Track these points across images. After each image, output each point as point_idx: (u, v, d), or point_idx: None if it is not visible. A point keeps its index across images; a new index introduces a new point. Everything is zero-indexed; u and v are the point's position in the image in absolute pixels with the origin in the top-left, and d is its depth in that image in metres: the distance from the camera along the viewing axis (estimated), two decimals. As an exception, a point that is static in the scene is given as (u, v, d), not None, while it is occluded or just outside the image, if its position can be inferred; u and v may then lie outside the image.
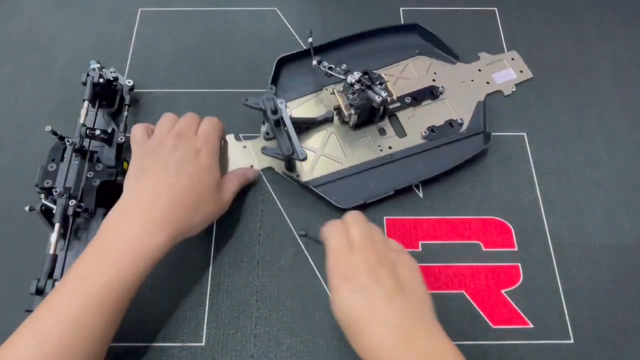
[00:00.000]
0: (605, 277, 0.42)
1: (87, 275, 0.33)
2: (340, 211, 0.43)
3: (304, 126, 0.46)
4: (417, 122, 0.48)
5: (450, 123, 0.48)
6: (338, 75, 0.44)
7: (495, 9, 0.56)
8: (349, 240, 0.34)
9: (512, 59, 0.52)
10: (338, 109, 0.46)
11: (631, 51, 0.53)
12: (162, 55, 0.53)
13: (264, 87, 0.51)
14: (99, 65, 0.46)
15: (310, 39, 0.46)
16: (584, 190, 0.46)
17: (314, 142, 0.47)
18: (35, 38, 0.54)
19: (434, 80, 0.50)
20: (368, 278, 0.32)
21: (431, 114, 0.48)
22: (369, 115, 0.46)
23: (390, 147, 0.46)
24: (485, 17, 0.55)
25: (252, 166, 0.46)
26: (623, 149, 0.47)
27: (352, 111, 0.43)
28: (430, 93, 0.49)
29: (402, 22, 0.54)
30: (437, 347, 0.31)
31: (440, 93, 0.49)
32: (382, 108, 0.45)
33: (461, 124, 0.48)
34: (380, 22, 0.54)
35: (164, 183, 0.36)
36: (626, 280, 0.41)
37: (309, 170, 0.45)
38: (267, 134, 0.43)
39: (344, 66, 0.44)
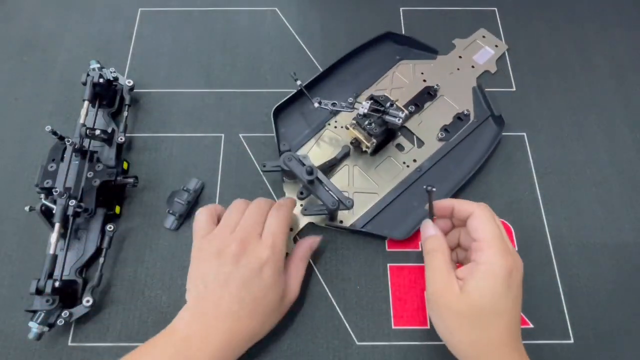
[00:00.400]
0: (605, 277, 0.42)
1: None
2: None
3: (327, 170, 0.45)
4: (428, 127, 0.48)
5: (458, 117, 0.48)
6: (344, 110, 0.44)
7: (495, 9, 0.56)
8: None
9: (483, 36, 0.53)
10: (355, 142, 0.45)
11: (631, 51, 0.53)
12: (162, 55, 0.53)
13: (264, 87, 0.51)
14: (99, 65, 0.46)
15: (298, 82, 0.44)
16: (584, 190, 0.46)
17: (340, 181, 0.45)
18: (35, 38, 0.54)
19: (424, 80, 0.50)
20: (505, 281, 0.31)
21: (437, 115, 0.49)
22: (385, 137, 0.46)
23: (415, 160, 0.46)
24: (485, 17, 0.55)
25: (291, 229, 0.43)
26: (623, 149, 0.47)
27: (374, 140, 0.43)
28: (428, 94, 0.49)
29: (402, 23, 0.54)
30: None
31: (437, 91, 0.49)
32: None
33: (468, 115, 0.48)
34: (381, 22, 0.54)
35: (225, 308, 0.34)
36: (626, 280, 0.41)
37: (349, 212, 0.44)
38: (302, 193, 0.42)
39: (350, 99, 0.44)
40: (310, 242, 0.40)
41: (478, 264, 0.32)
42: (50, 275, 0.37)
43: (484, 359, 0.32)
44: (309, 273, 0.42)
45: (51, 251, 0.38)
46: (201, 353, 0.32)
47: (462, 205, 0.35)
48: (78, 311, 0.38)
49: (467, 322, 0.31)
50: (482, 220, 0.33)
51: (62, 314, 0.37)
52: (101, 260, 0.39)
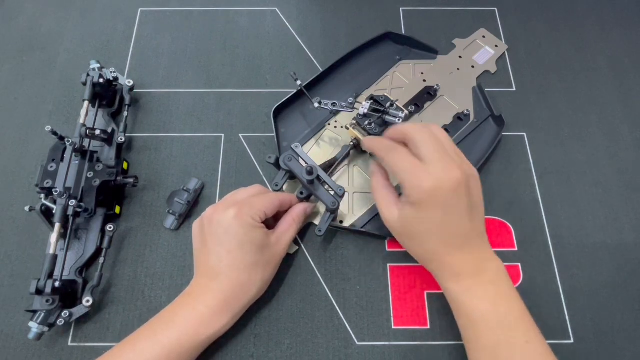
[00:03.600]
0: (605, 277, 0.42)
1: (154, 335, 0.35)
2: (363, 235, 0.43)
3: (327, 169, 0.44)
4: None
5: (458, 117, 0.48)
6: (344, 110, 0.44)
7: (495, 9, 0.56)
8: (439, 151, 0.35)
9: (483, 36, 0.54)
10: (355, 142, 0.45)
11: (631, 51, 0.53)
12: (162, 55, 0.53)
13: (264, 87, 0.51)
14: (99, 65, 0.46)
15: (298, 82, 0.44)
16: (584, 190, 0.46)
17: (341, 182, 0.45)
18: (35, 38, 0.54)
19: (424, 80, 0.50)
20: (452, 195, 0.33)
21: (437, 114, 0.49)
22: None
23: None
24: (485, 17, 0.55)
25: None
26: (623, 149, 0.47)
27: None
28: (428, 94, 0.49)
29: (402, 23, 0.54)
30: (485, 257, 0.35)
31: (436, 91, 0.49)
32: None
33: (468, 115, 0.48)
34: (381, 22, 0.54)
35: (207, 265, 0.37)
36: (626, 280, 0.41)
37: (349, 211, 0.44)
38: (302, 193, 0.42)
39: (350, 99, 0.44)
40: (305, 206, 0.41)
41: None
42: (50, 275, 0.37)
43: (432, 266, 0.36)
44: (308, 272, 0.42)
45: (51, 251, 0.38)
46: (202, 306, 0.35)
47: (405, 129, 0.37)
48: (78, 311, 0.38)
49: (405, 239, 0.37)
50: (415, 144, 0.35)
51: (62, 314, 0.37)
52: (101, 260, 0.39)
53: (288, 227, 0.40)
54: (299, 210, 0.41)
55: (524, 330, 0.33)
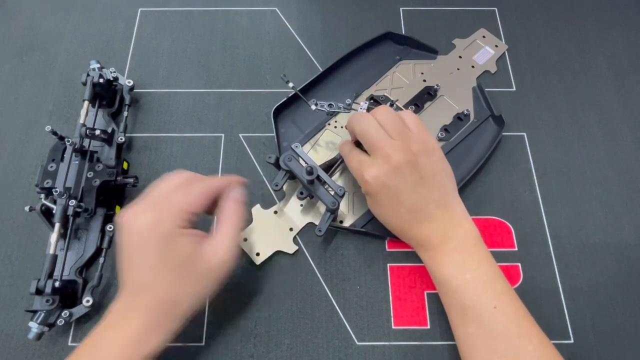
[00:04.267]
0: (605, 277, 0.42)
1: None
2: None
3: (327, 170, 0.44)
4: (427, 127, 0.47)
5: (458, 117, 0.48)
6: (341, 111, 0.44)
7: (495, 9, 0.56)
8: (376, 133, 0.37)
9: (483, 36, 0.54)
10: (355, 142, 0.45)
11: (631, 51, 0.53)
12: (162, 55, 0.53)
13: (264, 88, 0.51)
14: (99, 65, 0.46)
15: (290, 84, 0.43)
16: (584, 190, 0.46)
17: (341, 182, 0.45)
18: (35, 38, 0.54)
19: (424, 80, 0.50)
20: (394, 177, 0.35)
21: (437, 114, 0.49)
22: None
23: None
24: (485, 17, 0.55)
25: (290, 229, 0.43)
26: (623, 149, 0.47)
27: None
28: (428, 94, 0.50)
29: (402, 23, 0.54)
30: (450, 226, 0.36)
31: (437, 91, 0.49)
32: None
33: (468, 115, 0.48)
34: (381, 22, 0.54)
35: (128, 278, 0.32)
36: (626, 280, 0.41)
37: (348, 211, 0.44)
38: (301, 193, 0.42)
39: (347, 100, 0.44)
40: (234, 197, 0.36)
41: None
42: (50, 275, 0.37)
43: (403, 239, 0.39)
44: (308, 273, 0.42)
45: (51, 251, 0.38)
46: (127, 328, 0.31)
47: (349, 125, 0.40)
48: (78, 311, 0.38)
49: (380, 220, 0.39)
50: (355, 129, 0.38)
51: (62, 314, 0.37)
52: (101, 260, 0.39)
53: (225, 234, 0.34)
54: (231, 210, 0.35)
55: (493, 295, 0.33)
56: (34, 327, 0.36)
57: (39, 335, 0.36)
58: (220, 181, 0.36)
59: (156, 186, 0.34)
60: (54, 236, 0.38)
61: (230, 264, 0.34)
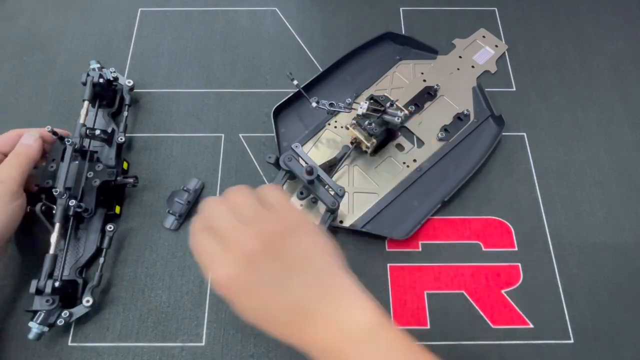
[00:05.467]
0: (605, 277, 0.42)
1: None
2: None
3: (327, 169, 0.44)
4: (428, 127, 0.48)
5: (458, 117, 0.48)
6: (342, 110, 0.44)
7: (495, 9, 0.56)
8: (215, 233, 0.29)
9: (483, 36, 0.54)
10: (355, 142, 0.45)
11: (631, 51, 0.53)
12: (162, 55, 0.53)
13: (264, 88, 0.51)
14: (99, 65, 0.46)
15: (295, 82, 0.44)
16: (584, 190, 0.46)
17: (341, 182, 0.45)
18: (35, 38, 0.54)
19: (424, 80, 0.50)
20: (250, 273, 0.28)
21: (437, 115, 0.49)
22: (385, 137, 0.46)
23: (415, 160, 0.46)
24: (485, 17, 0.55)
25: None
26: (623, 149, 0.47)
27: (374, 140, 0.43)
28: (428, 94, 0.50)
29: (402, 23, 0.54)
30: (345, 314, 0.28)
31: (437, 91, 0.49)
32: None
33: (468, 115, 0.48)
34: (381, 22, 0.54)
35: None
36: (626, 280, 0.41)
37: (349, 212, 0.44)
38: (302, 193, 0.42)
39: (348, 100, 0.44)
40: (25, 148, 0.40)
41: None
42: (50, 275, 0.37)
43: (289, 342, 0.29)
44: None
45: (51, 251, 0.38)
46: None
47: (200, 208, 0.31)
48: (78, 311, 0.38)
49: (237, 311, 0.29)
50: (209, 226, 0.30)
51: (62, 314, 0.37)
52: (101, 260, 0.39)
53: (3, 165, 0.39)
54: (20, 144, 0.40)
55: None
56: (34, 327, 0.36)
57: (39, 335, 0.36)
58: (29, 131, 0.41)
59: None
60: (54, 236, 0.38)
61: (3, 185, 0.37)
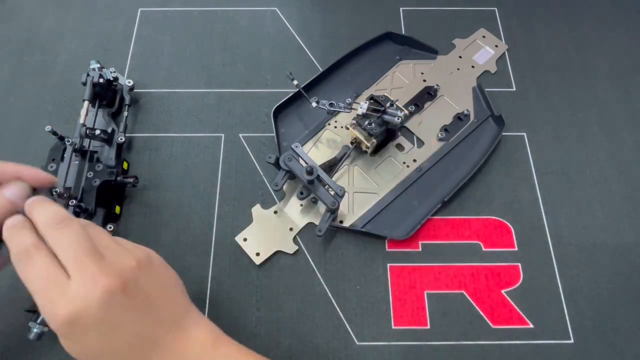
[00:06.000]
0: (605, 277, 0.42)
1: None
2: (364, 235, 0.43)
3: (327, 169, 0.44)
4: (427, 127, 0.48)
5: (458, 117, 0.48)
6: (342, 110, 0.44)
7: (495, 9, 0.56)
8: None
9: (483, 36, 0.54)
10: (355, 142, 0.45)
11: (631, 51, 0.53)
12: (162, 55, 0.53)
13: (264, 88, 0.51)
14: (99, 65, 0.46)
15: (295, 82, 0.44)
16: (584, 190, 0.46)
17: (341, 182, 0.45)
18: (35, 38, 0.54)
19: (424, 80, 0.50)
20: (107, 305, 0.25)
21: (437, 115, 0.49)
22: (385, 137, 0.46)
23: (415, 160, 0.46)
24: (485, 17, 0.55)
25: (290, 229, 0.42)
26: (623, 149, 0.47)
27: (374, 140, 0.43)
28: (428, 94, 0.50)
29: (402, 23, 0.54)
30: (190, 345, 0.28)
31: (437, 91, 0.49)
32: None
33: (468, 115, 0.48)
34: (381, 22, 0.54)
35: None
36: (626, 280, 0.41)
37: (349, 211, 0.44)
38: (302, 193, 0.42)
39: (348, 100, 0.44)
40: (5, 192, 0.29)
41: None
42: (50, 275, 0.37)
43: None
44: (308, 273, 0.42)
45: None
46: None
47: (42, 229, 0.27)
48: None
49: (68, 345, 0.27)
50: (50, 244, 0.26)
51: (62, 314, 0.37)
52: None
53: None
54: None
55: None
56: (34, 327, 0.36)
57: (39, 335, 0.36)
58: (3, 167, 0.30)
59: None
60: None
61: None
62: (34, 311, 0.37)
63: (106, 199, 0.42)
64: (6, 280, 0.41)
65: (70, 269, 0.25)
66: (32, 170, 0.30)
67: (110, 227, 0.40)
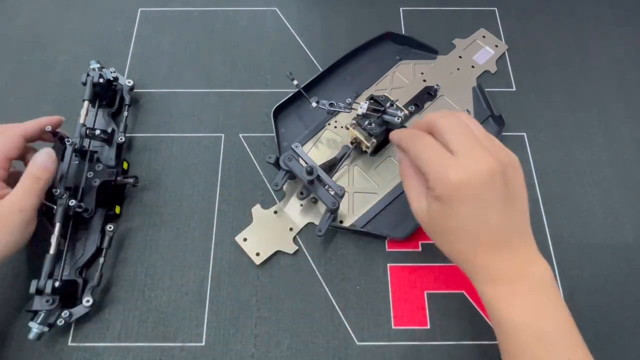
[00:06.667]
0: (605, 277, 0.42)
1: None
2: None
3: (327, 169, 0.44)
4: None
5: None
6: (342, 110, 0.44)
7: (495, 9, 0.56)
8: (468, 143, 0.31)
9: (483, 36, 0.54)
10: (355, 142, 0.45)
11: (631, 51, 0.53)
12: (162, 55, 0.53)
13: (264, 88, 0.51)
14: (99, 65, 0.46)
15: (295, 82, 0.44)
16: (584, 190, 0.46)
17: (341, 182, 0.45)
18: (35, 38, 0.54)
19: (424, 80, 0.50)
20: (485, 188, 0.29)
21: None
22: (385, 137, 0.46)
23: None
24: (485, 17, 0.55)
25: (290, 229, 0.43)
26: (623, 149, 0.47)
27: (374, 140, 0.43)
28: (428, 94, 0.50)
29: (402, 23, 0.55)
30: (527, 259, 0.31)
31: (437, 91, 0.49)
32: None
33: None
34: (381, 22, 0.54)
35: None
36: (626, 280, 0.41)
37: (349, 212, 0.44)
38: (302, 193, 0.42)
39: (348, 100, 0.44)
40: (45, 159, 0.37)
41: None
42: (50, 275, 0.37)
43: (464, 266, 0.33)
44: (308, 273, 0.42)
45: (51, 251, 0.38)
46: None
47: (430, 117, 0.33)
48: (78, 311, 0.38)
49: (434, 236, 0.33)
50: (441, 132, 0.31)
51: (62, 314, 0.37)
52: (101, 260, 0.39)
53: (23, 193, 0.35)
54: (37, 166, 0.36)
55: (568, 347, 0.29)
56: (35, 327, 0.36)
57: (39, 335, 0.36)
58: (33, 124, 0.38)
59: None
60: (54, 236, 0.38)
61: (23, 214, 0.35)
62: (34, 311, 0.37)
63: (106, 199, 0.42)
64: (6, 280, 0.41)
65: (457, 147, 0.30)
66: (45, 121, 0.39)
67: (110, 227, 0.40)
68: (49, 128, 0.41)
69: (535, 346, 0.29)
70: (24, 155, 0.39)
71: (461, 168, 0.29)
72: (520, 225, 0.31)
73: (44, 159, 0.37)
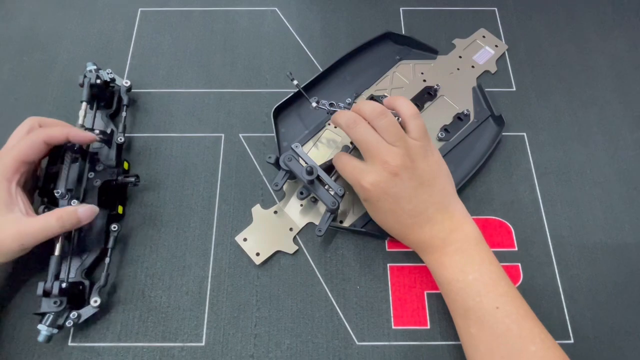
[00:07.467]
0: (605, 277, 0.42)
1: None
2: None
3: (327, 169, 0.44)
4: (428, 127, 0.46)
5: (458, 117, 0.48)
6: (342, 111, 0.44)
7: (495, 9, 0.56)
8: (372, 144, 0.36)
9: (483, 36, 0.54)
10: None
11: (631, 51, 0.53)
12: (162, 55, 0.53)
13: (264, 87, 0.51)
14: (95, 67, 0.46)
15: (295, 82, 0.44)
16: (584, 190, 0.46)
17: (340, 182, 0.44)
18: (35, 38, 0.54)
19: (424, 80, 0.50)
20: (393, 183, 0.36)
21: (437, 115, 0.49)
22: None
23: None
24: (485, 17, 0.55)
25: (290, 229, 0.43)
26: (623, 149, 0.48)
27: None
28: (428, 94, 0.50)
29: (402, 23, 0.54)
30: (452, 227, 0.36)
31: (437, 91, 0.49)
32: None
33: (468, 115, 0.48)
34: (381, 22, 0.54)
35: None
36: (626, 280, 0.42)
37: (348, 211, 0.44)
38: (302, 193, 0.42)
39: (348, 100, 0.44)
40: (81, 212, 0.37)
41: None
42: (57, 277, 0.37)
43: (405, 243, 0.39)
44: (308, 273, 0.42)
45: (56, 253, 0.38)
46: None
47: (338, 121, 0.39)
48: (86, 312, 0.38)
49: (382, 226, 0.39)
50: (350, 134, 0.38)
51: (71, 315, 0.37)
52: (107, 260, 0.39)
53: (44, 223, 0.35)
54: (69, 212, 0.36)
55: (495, 296, 0.34)
56: (44, 329, 0.36)
57: (49, 338, 0.36)
58: (60, 130, 0.38)
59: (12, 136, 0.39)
60: (59, 238, 0.38)
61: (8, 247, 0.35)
62: (42, 314, 0.36)
63: (108, 199, 0.42)
64: (11, 282, 0.41)
65: (365, 156, 0.37)
66: (75, 131, 0.39)
67: (114, 227, 0.40)
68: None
69: (464, 297, 0.34)
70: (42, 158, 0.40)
71: (370, 174, 0.36)
72: (441, 200, 0.37)
73: (87, 213, 0.38)
